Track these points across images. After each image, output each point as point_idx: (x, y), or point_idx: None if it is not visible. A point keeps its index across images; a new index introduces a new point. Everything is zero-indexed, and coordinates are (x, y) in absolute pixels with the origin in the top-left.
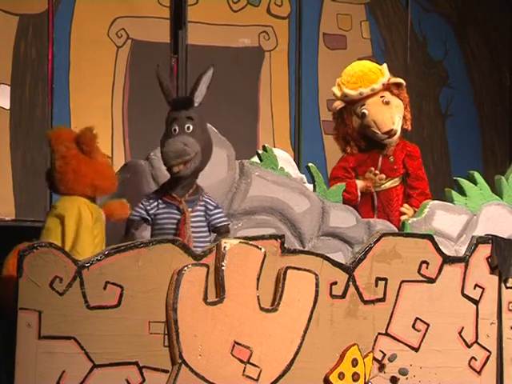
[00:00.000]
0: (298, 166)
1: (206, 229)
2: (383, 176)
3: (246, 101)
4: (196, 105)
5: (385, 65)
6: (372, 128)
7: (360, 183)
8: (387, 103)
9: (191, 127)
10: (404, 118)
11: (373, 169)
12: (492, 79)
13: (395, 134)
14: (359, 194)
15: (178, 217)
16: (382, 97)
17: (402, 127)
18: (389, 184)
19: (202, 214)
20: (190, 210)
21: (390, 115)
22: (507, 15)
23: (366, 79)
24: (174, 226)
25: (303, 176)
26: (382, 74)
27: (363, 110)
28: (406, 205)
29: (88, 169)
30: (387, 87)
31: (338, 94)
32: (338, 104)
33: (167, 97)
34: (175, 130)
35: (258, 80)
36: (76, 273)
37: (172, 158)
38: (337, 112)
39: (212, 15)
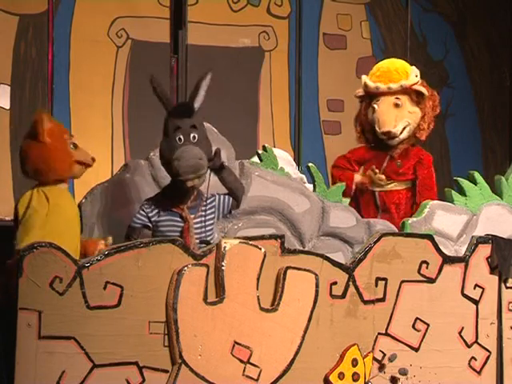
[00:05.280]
0: (297, 166)
1: (210, 233)
2: (383, 177)
3: (246, 101)
4: (195, 110)
5: (414, 69)
6: (375, 124)
7: (357, 177)
8: (397, 106)
9: (196, 136)
10: (418, 126)
11: (374, 167)
12: (492, 79)
13: (394, 137)
14: (354, 187)
15: (181, 225)
16: (397, 98)
17: (413, 135)
18: (391, 186)
19: (206, 218)
20: (192, 216)
21: (395, 118)
22: (507, 15)
23: (387, 76)
24: (178, 234)
25: (303, 176)
26: (407, 76)
27: (374, 105)
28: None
29: (32, 153)
30: (408, 91)
31: (363, 82)
32: (359, 91)
33: (166, 104)
34: (180, 139)
35: (258, 80)
36: (76, 273)
37: (188, 173)
38: (359, 98)
39: (212, 15)
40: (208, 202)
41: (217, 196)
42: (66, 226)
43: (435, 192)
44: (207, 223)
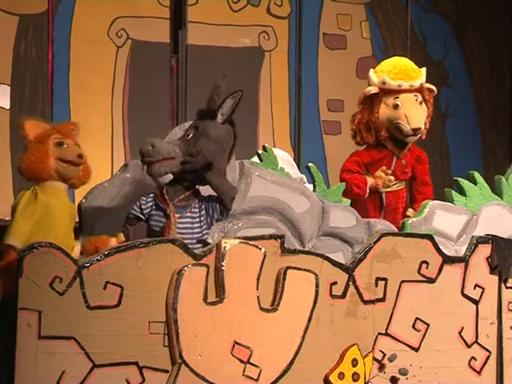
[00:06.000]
0: (297, 166)
1: (199, 235)
2: (392, 178)
3: (246, 101)
4: (219, 121)
5: (424, 68)
6: (401, 121)
7: (370, 180)
8: (421, 103)
9: (191, 135)
10: (424, 125)
11: (385, 168)
12: (492, 79)
13: (420, 134)
14: (368, 190)
15: (164, 220)
16: (415, 95)
17: None
18: (396, 186)
19: (195, 220)
20: (178, 216)
21: (422, 115)
22: (507, 15)
23: (407, 74)
24: (159, 230)
25: (303, 176)
26: (421, 75)
27: (397, 102)
28: (410, 209)
29: (25, 156)
30: (420, 89)
31: (376, 80)
32: (372, 89)
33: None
34: (182, 134)
35: (258, 80)
36: (76, 273)
37: (140, 156)
38: (367, 97)
39: (212, 15)
40: (200, 204)
41: (205, 200)
42: (53, 225)
43: (432, 188)
44: (194, 225)
